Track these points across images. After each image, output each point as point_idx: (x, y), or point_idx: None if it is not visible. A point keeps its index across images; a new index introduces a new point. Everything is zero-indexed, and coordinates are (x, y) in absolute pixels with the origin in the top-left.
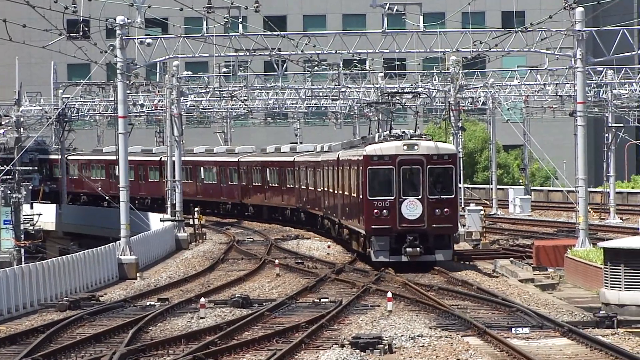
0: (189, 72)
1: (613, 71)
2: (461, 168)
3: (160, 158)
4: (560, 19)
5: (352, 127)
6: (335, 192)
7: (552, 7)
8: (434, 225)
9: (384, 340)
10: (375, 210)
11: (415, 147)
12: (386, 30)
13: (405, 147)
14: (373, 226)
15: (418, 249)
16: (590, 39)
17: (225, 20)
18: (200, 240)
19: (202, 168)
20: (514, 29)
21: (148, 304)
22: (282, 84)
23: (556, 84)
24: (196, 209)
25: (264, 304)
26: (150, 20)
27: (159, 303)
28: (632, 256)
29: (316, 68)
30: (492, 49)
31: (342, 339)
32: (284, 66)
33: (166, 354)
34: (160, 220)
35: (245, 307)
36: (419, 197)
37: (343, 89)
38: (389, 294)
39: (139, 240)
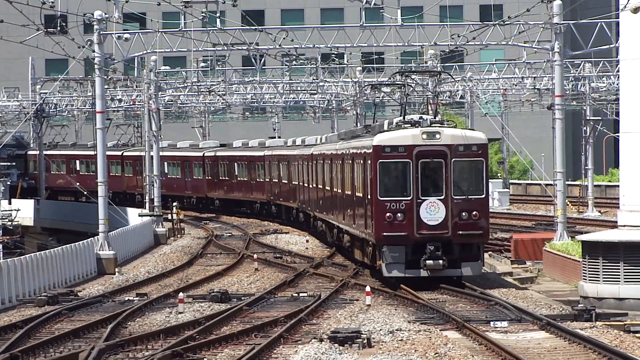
0: (167, 67)
1: (591, 64)
2: None
3: (204, 153)
4: (538, 12)
5: (330, 122)
6: (333, 190)
7: (530, 0)
8: (460, 232)
9: (362, 334)
10: (388, 214)
11: (437, 136)
12: (364, 25)
13: (424, 136)
14: (385, 233)
15: (440, 261)
16: (568, 32)
17: (203, 14)
18: (178, 235)
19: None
20: (492, 23)
21: (126, 299)
22: (260, 78)
23: (534, 77)
24: (174, 203)
25: (243, 298)
26: (128, 15)
27: (137, 298)
28: (610, 249)
29: (294, 62)
30: (470, 43)
31: (321, 333)
32: (262, 61)
33: (145, 349)
34: (139, 216)
35: (223, 301)
36: (442, 197)
37: (321, 83)
38: (368, 288)
39: (117, 236)
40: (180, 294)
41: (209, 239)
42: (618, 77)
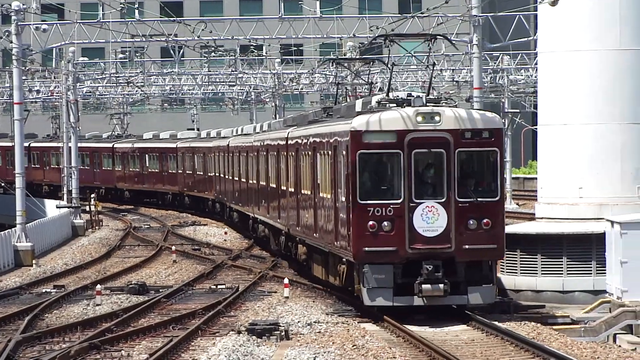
0: (85, 58)
1: (509, 57)
2: None
3: (228, 143)
4: (456, 4)
5: (249, 113)
6: (282, 188)
7: None
8: (467, 247)
9: (280, 326)
10: (370, 222)
11: (436, 118)
12: (283, 16)
13: (419, 118)
14: (366, 248)
15: (441, 285)
16: (487, 24)
17: (122, 5)
18: (96, 227)
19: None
20: (411, 14)
21: (44, 291)
22: (178, 69)
23: (453, 69)
24: (92, 195)
25: (161, 290)
26: (46, 6)
27: (54, 290)
28: (528, 242)
29: (213, 54)
30: (388, 35)
31: (239, 325)
32: (181, 52)
33: (62, 341)
34: (57, 207)
35: (141, 293)
36: (442, 200)
37: (240, 75)
38: (286, 280)
39: (35, 227)
40: (98, 286)
41: (127, 230)
42: (536, 69)
